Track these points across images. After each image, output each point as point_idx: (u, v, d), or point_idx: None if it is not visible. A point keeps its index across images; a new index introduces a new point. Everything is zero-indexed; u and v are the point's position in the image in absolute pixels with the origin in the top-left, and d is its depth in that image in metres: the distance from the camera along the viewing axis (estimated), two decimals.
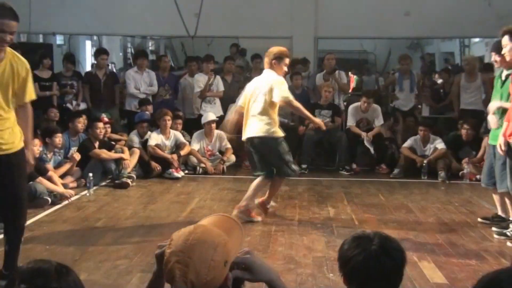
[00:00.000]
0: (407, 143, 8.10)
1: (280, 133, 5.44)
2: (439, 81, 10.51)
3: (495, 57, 4.98)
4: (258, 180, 5.52)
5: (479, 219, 5.50)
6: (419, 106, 9.73)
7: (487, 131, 7.86)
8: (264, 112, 5.34)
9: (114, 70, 11.27)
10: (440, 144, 7.94)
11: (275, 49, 5.47)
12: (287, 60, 5.49)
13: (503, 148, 4.63)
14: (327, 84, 8.80)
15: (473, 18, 9.75)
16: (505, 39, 4.64)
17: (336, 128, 8.62)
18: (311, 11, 10.15)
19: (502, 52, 4.71)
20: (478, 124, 7.95)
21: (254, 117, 5.39)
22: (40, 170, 6.08)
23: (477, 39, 13.08)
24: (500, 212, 5.35)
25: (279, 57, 5.41)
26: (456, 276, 4.01)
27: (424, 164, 7.79)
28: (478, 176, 7.43)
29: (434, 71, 11.97)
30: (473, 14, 9.71)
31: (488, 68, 8.89)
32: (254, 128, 5.39)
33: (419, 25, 10.04)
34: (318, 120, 6.08)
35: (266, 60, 5.50)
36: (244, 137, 5.50)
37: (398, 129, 8.99)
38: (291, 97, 5.39)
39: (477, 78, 8.64)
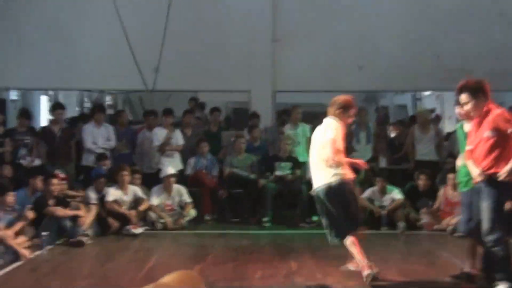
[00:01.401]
0: (365, 194, 8.19)
1: None
2: (393, 133, 10.78)
3: (459, 110, 5.13)
4: None
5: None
6: (376, 157, 9.90)
7: (443, 181, 8.10)
8: None
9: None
10: (397, 195, 8.06)
11: (340, 99, 5.36)
12: (352, 111, 5.37)
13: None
14: (286, 137, 8.89)
15: (424, 72, 10.15)
16: (465, 97, 4.71)
17: (296, 180, 8.64)
18: (269, 65, 10.34)
19: (465, 109, 4.79)
20: (434, 174, 8.14)
21: None
22: None
23: (428, 92, 13.61)
24: None
25: (344, 107, 5.29)
26: None
27: (382, 215, 7.87)
28: (436, 226, 7.59)
29: (388, 123, 12.28)
30: (424, 68, 10.12)
31: (437, 119, 9.29)
32: None
33: (373, 79, 10.36)
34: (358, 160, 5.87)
35: (330, 110, 5.35)
36: None
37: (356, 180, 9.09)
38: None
39: (430, 129, 8.92)
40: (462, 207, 5.32)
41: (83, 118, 10.23)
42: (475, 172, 4.71)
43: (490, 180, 4.60)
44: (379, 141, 9.60)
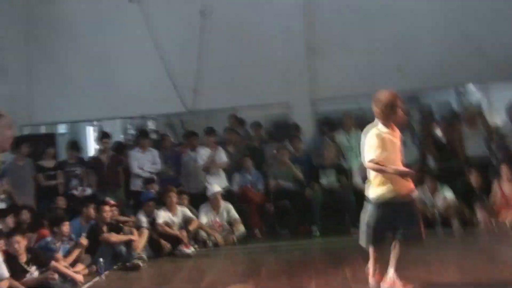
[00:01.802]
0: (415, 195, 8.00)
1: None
2: (439, 131, 10.53)
3: None
4: None
5: None
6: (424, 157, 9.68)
7: (496, 175, 7.84)
8: None
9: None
10: (449, 193, 7.85)
11: (382, 97, 4.88)
12: (400, 107, 4.87)
13: None
14: (330, 145, 8.82)
15: (467, 66, 9.87)
16: None
17: (344, 187, 8.54)
18: (305, 74, 10.32)
19: None
20: (486, 169, 7.90)
21: None
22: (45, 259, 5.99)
23: (472, 86, 13.23)
24: None
25: (391, 105, 4.84)
26: None
27: (436, 215, 7.67)
28: (492, 221, 7.34)
29: (433, 121, 12.01)
30: (466, 62, 9.84)
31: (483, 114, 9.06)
32: None
33: (414, 78, 10.15)
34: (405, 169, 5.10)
35: (376, 110, 4.92)
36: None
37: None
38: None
39: (478, 124, 8.68)
40: None
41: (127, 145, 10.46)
42: None
43: None
44: (425, 141, 9.40)
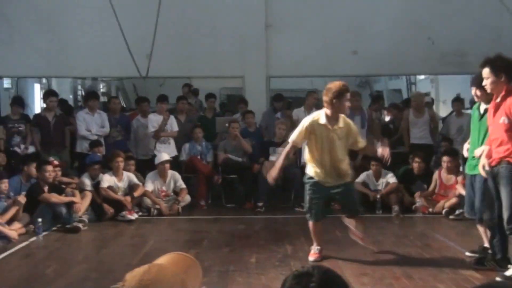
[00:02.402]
0: (359, 178, 8.19)
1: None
2: (388, 117, 10.79)
3: (476, 92, 5.06)
4: None
5: (467, 253, 5.42)
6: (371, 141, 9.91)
7: (437, 164, 8.13)
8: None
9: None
10: (392, 179, 8.08)
11: (332, 86, 5.16)
12: (348, 95, 5.20)
13: (486, 168, 4.65)
14: (280, 121, 8.88)
15: (418, 56, 10.13)
16: (486, 71, 4.62)
17: (291, 165, 8.64)
18: (262, 51, 10.31)
19: (483, 84, 4.69)
20: (429, 157, 8.16)
21: None
22: None
23: (422, 76, 13.61)
24: (486, 244, 5.21)
25: (339, 96, 5.12)
26: None
27: (377, 199, 7.89)
28: (430, 209, 7.62)
29: (383, 107, 12.28)
30: (418, 52, 10.09)
31: (431, 104, 9.33)
32: None
33: (367, 63, 10.33)
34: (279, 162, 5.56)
35: (325, 99, 5.19)
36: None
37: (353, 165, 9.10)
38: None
39: (425, 113, 8.92)
40: (466, 190, 5.37)
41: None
42: (483, 161, 4.67)
43: (509, 166, 4.53)
44: (373, 126, 9.60)
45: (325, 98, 5.15)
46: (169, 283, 1.51)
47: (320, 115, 5.24)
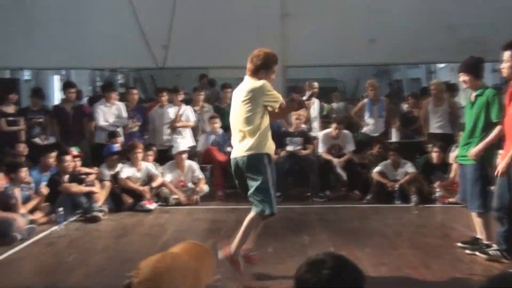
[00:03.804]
0: (378, 168, 8.15)
1: None
2: (406, 107, 10.68)
3: (463, 77, 5.04)
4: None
5: (459, 244, 5.40)
6: (389, 131, 9.84)
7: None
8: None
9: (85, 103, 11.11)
10: (410, 168, 8.02)
11: (260, 54, 4.50)
12: (276, 68, 4.55)
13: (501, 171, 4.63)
14: (297, 112, 8.84)
15: (438, 44, 9.98)
16: (507, 54, 4.58)
17: (308, 155, 8.63)
18: (279, 40, 10.26)
19: (501, 67, 4.67)
20: (448, 147, 8.07)
21: None
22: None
23: (442, 65, 13.43)
24: (478, 235, 5.22)
25: (266, 65, 4.47)
26: None
27: (396, 189, 7.84)
28: (450, 199, 7.54)
29: (402, 96, 12.18)
30: (437, 40, 9.95)
31: (452, 90, 9.20)
32: None
33: (385, 52, 10.23)
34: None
35: (249, 66, 4.51)
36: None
37: (369, 155, 9.05)
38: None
39: (444, 102, 8.81)
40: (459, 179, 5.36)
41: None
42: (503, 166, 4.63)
43: None
44: (391, 115, 9.53)
45: (250, 65, 4.46)
46: (182, 271, 1.52)
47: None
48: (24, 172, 6.66)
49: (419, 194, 7.76)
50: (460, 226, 6.24)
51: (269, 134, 4.48)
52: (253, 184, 4.39)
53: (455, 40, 9.76)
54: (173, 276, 1.51)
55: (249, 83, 4.48)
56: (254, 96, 4.36)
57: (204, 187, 8.26)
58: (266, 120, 4.45)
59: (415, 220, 6.93)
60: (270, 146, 4.47)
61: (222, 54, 10.20)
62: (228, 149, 7.81)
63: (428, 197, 7.78)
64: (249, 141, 4.36)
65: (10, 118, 8.49)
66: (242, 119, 4.40)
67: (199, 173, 8.28)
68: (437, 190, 7.71)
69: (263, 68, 4.48)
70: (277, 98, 4.43)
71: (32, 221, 6.30)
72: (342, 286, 1.69)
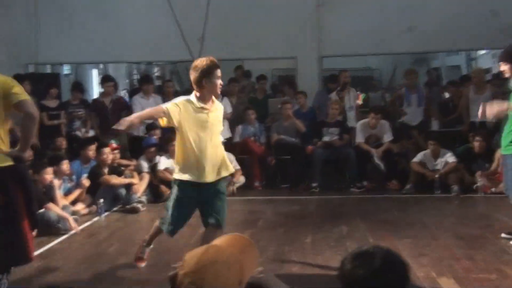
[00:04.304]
0: (417, 158, 8.01)
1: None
2: (447, 94, 10.45)
3: (503, 67, 4.89)
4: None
5: (503, 235, 5.26)
6: (428, 120, 9.65)
7: (500, 143, 7.80)
8: None
9: (127, 97, 11.28)
10: (451, 158, 7.85)
11: (198, 64, 4.11)
12: (218, 72, 4.19)
13: None
14: (334, 102, 8.77)
15: (479, 30, 9.69)
16: None
17: (345, 145, 8.55)
18: (315, 31, 10.17)
19: None
20: (490, 136, 7.86)
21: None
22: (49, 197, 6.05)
23: (483, 51, 13.05)
24: None
25: (206, 73, 4.10)
26: None
27: (435, 179, 7.70)
28: (493, 189, 7.36)
29: (441, 85, 11.91)
30: (478, 26, 9.66)
31: (497, 79, 8.89)
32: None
33: (424, 39, 10.00)
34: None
35: (191, 78, 4.16)
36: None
37: (408, 144, 8.91)
38: None
39: (486, 90, 8.57)
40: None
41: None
42: None
43: None
44: (431, 104, 9.33)
45: (191, 77, 4.15)
46: (226, 264, 1.52)
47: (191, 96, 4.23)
48: (65, 165, 6.81)
49: (460, 184, 7.60)
50: (503, 217, 6.08)
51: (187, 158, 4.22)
52: None
53: (497, 26, 9.45)
54: (218, 268, 1.51)
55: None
56: None
57: (241, 178, 8.29)
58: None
59: (456, 210, 6.80)
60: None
61: (257, 45, 10.18)
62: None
63: (469, 187, 7.61)
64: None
65: (52, 112, 8.68)
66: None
67: (235, 164, 8.30)
68: (479, 179, 7.53)
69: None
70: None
71: (74, 213, 6.43)
72: (392, 277, 1.66)
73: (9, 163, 3.59)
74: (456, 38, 9.97)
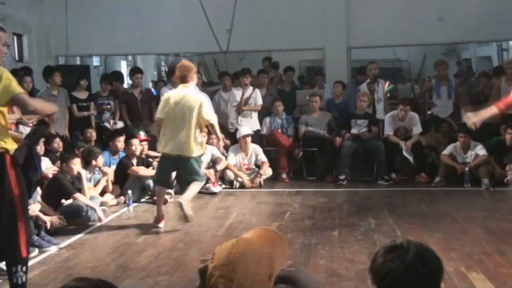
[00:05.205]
0: (446, 151, 7.89)
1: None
2: (478, 86, 10.24)
3: None
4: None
5: None
6: (458, 112, 9.48)
7: None
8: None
9: (153, 89, 11.38)
10: (481, 151, 7.71)
11: (187, 64, 5.99)
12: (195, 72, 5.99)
13: None
14: (362, 93, 8.68)
15: (510, 20, 9.47)
16: None
17: (373, 137, 8.47)
18: (343, 21, 10.08)
19: None
20: None
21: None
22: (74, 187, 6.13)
23: None
24: None
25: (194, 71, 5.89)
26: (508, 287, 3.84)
27: (465, 172, 7.58)
28: None
29: (472, 76, 11.69)
30: (510, 16, 9.44)
31: None
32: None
33: (454, 30, 9.83)
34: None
35: (189, 74, 5.83)
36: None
37: (438, 136, 8.78)
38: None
39: None
40: None
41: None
42: None
43: None
44: (461, 95, 9.16)
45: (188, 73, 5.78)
46: (256, 257, 1.53)
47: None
48: (101, 158, 6.91)
49: (491, 177, 7.47)
50: None
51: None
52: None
53: None
54: (248, 262, 1.52)
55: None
56: None
57: (268, 170, 8.29)
58: None
59: (487, 204, 6.68)
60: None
61: (285, 37, 10.14)
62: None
63: (500, 180, 7.47)
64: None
65: (82, 104, 8.81)
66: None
67: (262, 156, 8.31)
68: (510, 173, 7.38)
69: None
70: None
71: (102, 204, 6.52)
72: (426, 273, 1.64)
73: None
74: (487, 28, 9.78)
